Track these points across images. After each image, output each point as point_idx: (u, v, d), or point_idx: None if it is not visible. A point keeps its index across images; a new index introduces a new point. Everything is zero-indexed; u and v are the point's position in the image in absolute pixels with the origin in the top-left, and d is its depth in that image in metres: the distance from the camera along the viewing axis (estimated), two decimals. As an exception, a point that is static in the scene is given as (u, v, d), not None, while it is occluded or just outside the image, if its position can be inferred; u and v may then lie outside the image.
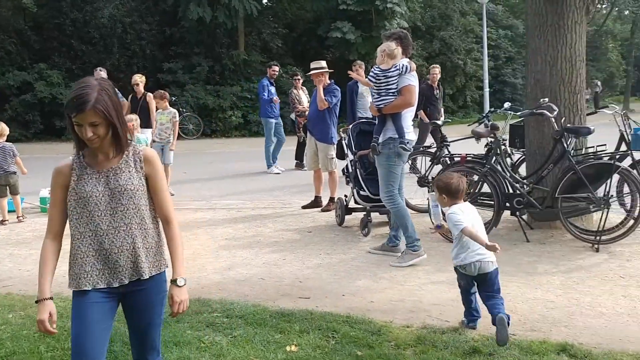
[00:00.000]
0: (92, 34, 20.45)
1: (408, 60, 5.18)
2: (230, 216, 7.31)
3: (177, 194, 8.83)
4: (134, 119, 7.52)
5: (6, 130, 7.27)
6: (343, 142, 6.70)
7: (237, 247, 5.76)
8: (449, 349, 3.38)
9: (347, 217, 6.57)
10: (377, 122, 5.26)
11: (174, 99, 17.40)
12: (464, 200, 3.88)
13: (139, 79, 10.10)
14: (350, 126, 6.63)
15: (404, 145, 5.05)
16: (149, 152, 2.37)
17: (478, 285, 3.65)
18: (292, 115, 11.05)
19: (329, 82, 7.57)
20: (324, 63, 7.70)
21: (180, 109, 17.85)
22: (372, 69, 5.17)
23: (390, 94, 5.03)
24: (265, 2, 24.66)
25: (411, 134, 5.20)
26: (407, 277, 4.75)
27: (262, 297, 4.29)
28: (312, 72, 7.61)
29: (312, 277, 4.79)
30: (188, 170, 11.08)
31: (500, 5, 32.89)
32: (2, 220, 7.12)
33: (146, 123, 9.59)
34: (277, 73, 11.29)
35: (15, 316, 3.94)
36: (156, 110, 9.18)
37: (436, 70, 10.84)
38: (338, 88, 7.54)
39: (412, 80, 5.08)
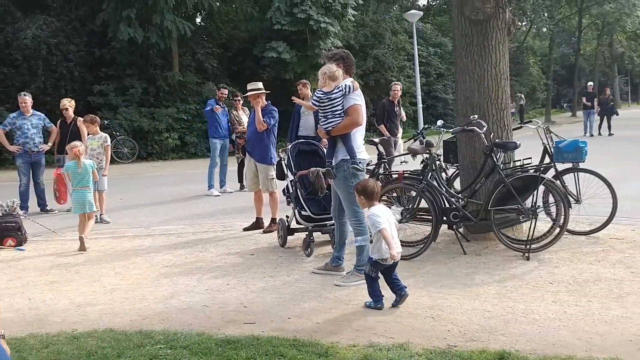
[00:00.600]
0: (15, 55, 19.65)
1: (351, 80, 5.23)
2: (170, 242, 7.19)
3: (113, 221, 8.61)
4: (78, 145, 7.28)
5: None
6: (282, 162, 6.75)
7: (178, 274, 5.67)
8: (394, 366, 3.45)
9: (289, 237, 6.60)
10: (327, 145, 5.29)
11: (106, 122, 17.01)
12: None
13: (68, 103, 9.81)
14: (290, 146, 6.71)
15: (356, 166, 5.08)
16: None
17: (387, 272, 4.52)
18: (233, 136, 11.02)
19: (266, 103, 7.61)
20: (260, 84, 7.73)
21: (114, 133, 17.47)
22: (315, 93, 5.21)
23: (337, 115, 5.06)
24: (199, 22, 24.52)
25: (363, 153, 5.23)
26: (351, 296, 4.81)
27: (207, 325, 4.23)
28: (249, 93, 7.63)
29: (256, 301, 4.77)
30: (124, 196, 10.84)
31: (429, 24, 34.04)
32: None
33: None
34: (225, 95, 11.22)
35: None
36: (87, 135, 8.94)
37: (397, 87, 11.12)
38: (275, 109, 7.60)
39: (358, 99, 5.12)
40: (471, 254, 5.92)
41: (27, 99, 9.59)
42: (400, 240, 6.09)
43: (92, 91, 20.21)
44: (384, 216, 4.46)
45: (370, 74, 25.97)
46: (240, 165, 10.97)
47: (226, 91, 11.36)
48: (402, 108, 11.71)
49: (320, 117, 5.22)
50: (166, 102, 20.91)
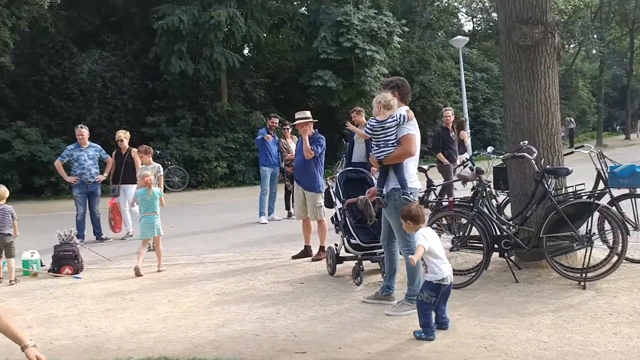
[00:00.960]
0: (72, 89, 20.55)
1: (406, 109, 5.21)
2: (221, 270, 7.30)
3: (165, 249, 8.78)
4: (149, 174, 7.65)
5: (6, 193, 7.32)
6: (331, 190, 6.79)
7: (229, 303, 5.74)
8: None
9: (338, 266, 6.59)
10: (379, 173, 5.30)
11: (158, 152, 17.51)
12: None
13: (123, 135, 10.19)
14: (338, 174, 6.74)
15: (406, 196, 5.04)
16: None
17: (441, 299, 4.48)
18: (282, 164, 11.17)
19: (313, 131, 7.71)
20: (308, 113, 7.84)
21: (165, 162, 17.94)
22: (369, 121, 5.23)
23: (390, 144, 5.04)
24: (247, 54, 25.13)
25: (415, 182, 5.21)
26: (402, 325, 4.76)
27: (259, 354, 4.26)
28: (296, 122, 7.75)
29: (307, 330, 4.78)
30: (176, 224, 11.07)
31: (475, 49, 33.86)
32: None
33: (132, 179, 9.65)
34: (276, 124, 11.38)
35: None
36: (141, 165, 9.22)
37: (449, 113, 11.06)
38: (322, 137, 7.68)
39: (412, 129, 5.10)
40: (524, 282, 5.78)
41: (83, 132, 10.00)
42: (452, 269, 6.06)
43: (145, 122, 20.90)
44: (429, 237, 4.47)
45: (416, 100, 25.93)
46: (288, 193, 11.09)
47: (277, 120, 11.54)
48: (461, 130, 11.65)
49: (372, 146, 5.22)
50: (215, 131, 21.40)
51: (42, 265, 7.69)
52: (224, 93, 22.16)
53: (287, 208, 11.28)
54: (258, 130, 12.49)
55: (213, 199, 16.81)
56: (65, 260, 7.46)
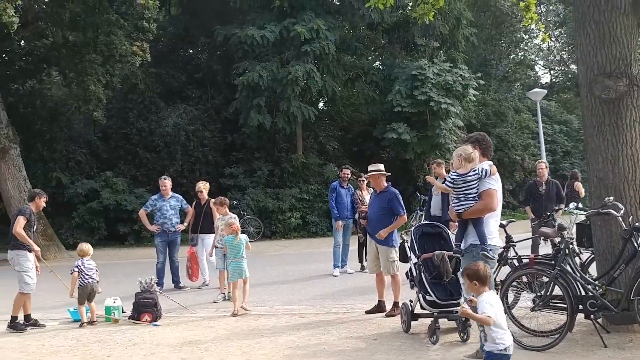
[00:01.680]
0: (157, 142, 21.67)
1: (490, 163, 5.16)
2: (293, 322, 7.29)
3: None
4: (236, 222, 8.37)
5: (91, 250, 8.04)
6: (405, 244, 6.70)
7: (302, 357, 5.70)
8: None
9: (413, 323, 6.41)
10: (458, 227, 5.21)
11: (235, 202, 17.99)
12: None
13: (203, 186, 10.56)
14: (413, 228, 6.66)
15: (485, 252, 4.92)
16: None
17: None
18: (355, 216, 11.18)
19: (386, 184, 7.70)
20: (381, 166, 7.84)
21: (242, 212, 18.37)
22: (450, 174, 5.20)
23: (470, 198, 4.98)
24: (322, 107, 25.70)
25: (495, 239, 5.09)
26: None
27: (331, 412, 4.19)
28: (369, 174, 7.78)
29: (380, 389, 4.66)
30: (249, 274, 11.18)
31: (553, 101, 33.03)
32: (81, 323, 7.55)
33: (210, 229, 9.94)
34: (348, 176, 11.43)
35: None
36: (218, 216, 9.48)
37: (542, 166, 10.89)
38: (397, 191, 7.63)
39: (494, 184, 5.02)
40: (613, 347, 5.40)
41: (167, 183, 10.46)
42: (533, 330, 5.78)
43: (224, 173, 21.62)
44: (495, 306, 4.22)
45: (493, 153, 25.44)
46: (361, 246, 11.03)
47: (348, 171, 11.60)
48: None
49: (452, 199, 5.16)
50: (290, 183, 21.80)
51: (123, 312, 7.97)
52: (299, 145, 22.66)
53: (360, 261, 11.20)
54: (331, 182, 12.61)
55: (286, 249, 16.96)
56: (145, 308, 7.70)
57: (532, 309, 5.81)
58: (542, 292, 5.76)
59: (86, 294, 7.65)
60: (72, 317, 7.98)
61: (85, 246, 8.08)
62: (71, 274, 7.74)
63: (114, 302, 7.96)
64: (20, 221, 7.57)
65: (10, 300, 7.71)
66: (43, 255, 15.93)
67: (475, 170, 4.99)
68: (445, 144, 21.38)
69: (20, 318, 7.63)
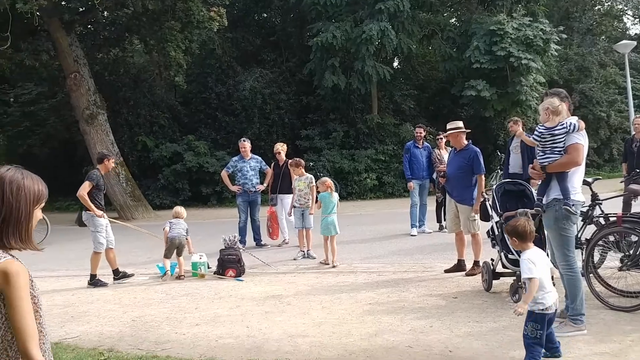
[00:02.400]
0: (235, 105, 22.11)
1: (577, 118, 4.97)
2: (372, 280, 7.35)
3: (318, 257, 9.06)
4: (329, 180, 8.99)
5: (184, 213, 8.65)
6: (487, 202, 6.55)
7: (381, 313, 5.75)
8: None
9: (494, 282, 6.33)
10: (540, 182, 5.07)
11: (311, 164, 18.17)
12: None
13: (281, 148, 10.72)
14: (495, 186, 6.49)
15: (568, 207, 4.75)
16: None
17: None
18: (434, 175, 11.02)
19: (465, 142, 7.51)
20: (460, 123, 7.64)
21: (318, 174, 18.53)
22: (537, 128, 5.03)
23: (556, 152, 4.82)
24: (397, 66, 25.23)
25: (579, 195, 4.89)
26: (566, 347, 4.43)
27: (412, 366, 4.22)
28: (448, 132, 7.61)
29: (462, 346, 4.63)
30: (328, 234, 11.35)
31: (642, 53, 30.83)
32: (163, 276, 8.01)
33: (288, 189, 10.12)
34: (422, 134, 11.24)
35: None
36: (295, 177, 9.63)
37: (638, 121, 10.28)
38: (478, 150, 7.43)
39: (581, 139, 4.83)
40: None
41: (246, 145, 10.68)
42: (621, 290, 5.55)
43: (300, 136, 21.82)
44: (539, 263, 4.14)
45: (576, 110, 24.10)
46: (439, 205, 10.90)
47: (422, 130, 11.38)
48: None
49: (538, 152, 4.99)
50: (365, 143, 21.71)
51: (208, 268, 8.32)
52: (374, 105, 22.44)
53: (439, 220, 11.08)
54: (407, 142, 12.44)
55: (363, 209, 17.00)
56: (229, 264, 7.99)
57: (620, 269, 5.58)
58: (631, 252, 5.51)
59: (174, 248, 8.09)
60: (161, 272, 8.41)
61: (179, 209, 8.70)
62: (163, 229, 8.30)
63: (200, 258, 8.31)
64: (85, 186, 7.87)
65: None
66: (132, 215, 16.96)
67: (563, 124, 4.80)
68: (526, 100, 20.52)
69: (107, 274, 8.12)
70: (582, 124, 4.90)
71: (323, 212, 8.70)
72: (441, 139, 11.07)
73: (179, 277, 8.02)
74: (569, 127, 4.78)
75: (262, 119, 22.10)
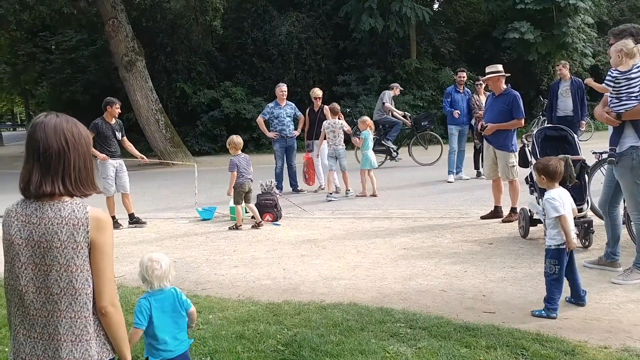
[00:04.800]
0: (271, 51, 21.90)
1: None
2: (407, 225, 7.38)
3: (352, 202, 9.11)
4: (369, 120, 9.98)
5: (241, 143, 7.97)
6: (526, 148, 6.42)
7: (415, 257, 5.80)
8: (655, 377, 3.09)
9: (531, 228, 6.28)
10: (612, 130, 4.86)
11: (347, 110, 18.00)
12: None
13: (319, 93, 10.66)
14: (535, 132, 6.34)
15: None
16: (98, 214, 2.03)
17: (568, 269, 4.17)
18: (472, 121, 10.82)
19: (505, 86, 7.32)
20: (500, 67, 7.44)
21: (355, 120, 18.39)
22: (609, 72, 4.76)
23: (633, 97, 4.56)
24: (437, 8, 24.42)
25: None
26: (603, 294, 4.42)
27: (445, 310, 4.27)
28: (487, 76, 7.42)
29: (496, 291, 4.66)
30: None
31: None
32: (237, 225, 7.74)
33: (319, 134, 10.26)
34: (464, 79, 11.01)
35: (215, 317, 4.31)
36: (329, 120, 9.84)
37: None
38: (518, 94, 7.24)
39: None
40: None
41: (285, 89, 10.64)
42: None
43: (336, 81, 21.58)
44: (564, 201, 4.18)
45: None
46: (477, 152, 10.74)
47: (465, 74, 11.12)
48: None
49: (611, 99, 4.75)
50: (404, 89, 21.31)
51: (246, 212, 8.47)
52: (413, 50, 21.90)
53: (476, 167, 10.95)
54: (446, 87, 12.21)
55: (400, 155, 16.85)
56: (266, 208, 8.12)
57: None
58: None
59: (243, 193, 7.75)
60: (201, 217, 8.62)
61: (237, 139, 7.92)
62: (230, 171, 7.72)
63: (238, 203, 8.46)
64: None
65: (143, 202, 8.39)
66: (172, 160, 17.25)
67: (638, 67, 4.53)
68: (572, 43, 19.73)
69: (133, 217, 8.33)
70: None
71: (364, 149, 9.74)
72: (480, 84, 10.82)
73: (258, 225, 7.70)
74: None
75: (298, 64, 21.88)
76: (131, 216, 8.39)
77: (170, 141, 18.39)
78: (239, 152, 7.89)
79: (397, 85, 14.14)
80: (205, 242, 7.08)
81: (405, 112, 14.73)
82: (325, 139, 10.05)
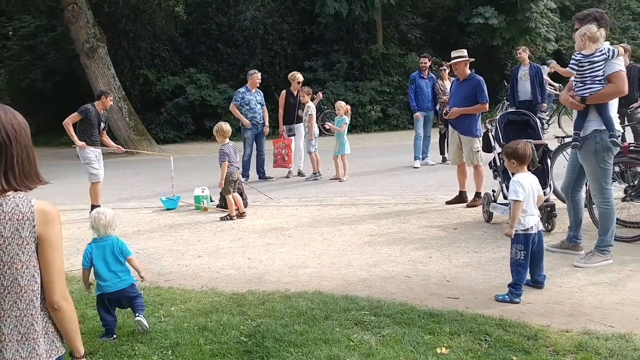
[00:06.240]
0: (236, 36, 21.54)
1: (608, 43, 4.74)
2: (373, 212, 7.37)
3: (320, 190, 9.07)
4: (344, 104, 10.14)
5: (229, 131, 7.69)
6: (490, 133, 6.46)
7: (381, 244, 5.80)
8: (614, 357, 3.14)
9: (495, 213, 6.32)
10: (576, 114, 4.89)
11: (314, 96, 17.89)
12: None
13: (301, 77, 10.77)
14: (498, 116, 6.38)
15: (614, 139, 4.59)
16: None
17: (535, 255, 4.21)
18: (437, 107, 10.85)
19: (469, 71, 7.34)
20: (465, 52, 7.46)
21: (322, 106, 18.30)
22: (573, 55, 4.79)
23: (597, 81, 4.61)
24: (403, -7, 24.36)
25: (617, 125, 4.78)
26: (565, 277, 4.48)
27: (409, 296, 4.27)
28: (452, 61, 7.43)
29: (460, 276, 4.68)
30: (331, 167, 11.31)
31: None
32: (230, 216, 7.41)
33: (299, 118, 10.50)
34: (427, 64, 10.97)
35: (177, 309, 4.23)
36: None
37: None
38: (481, 78, 7.26)
39: (622, 65, 4.63)
40: None
41: (260, 78, 10.48)
42: (623, 221, 5.54)
43: (303, 67, 21.36)
44: (527, 187, 4.21)
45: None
46: (442, 137, 10.79)
47: (427, 60, 11.10)
48: None
49: (576, 83, 4.78)
50: (370, 75, 21.28)
51: (211, 201, 8.35)
52: (379, 35, 21.83)
53: (442, 152, 11.01)
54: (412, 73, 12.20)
55: (367, 142, 16.89)
56: (231, 197, 8.00)
57: (623, 199, 5.55)
58: (635, 182, 5.46)
59: (233, 182, 7.53)
60: (165, 206, 8.47)
61: (226, 126, 7.65)
62: (221, 162, 7.49)
63: (203, 192, 8.34)
64: (73, 115, 7.91)
65: (106, 192, 8.20)
66: (136, 149, 16.91)
67: (601, 50, 4.57)
68: (535, 28, 19.93)
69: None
70: (621, 50, 4.69)
71: (341, 135, 9.88)
72: (444, 69, 10.84)
73: (240, 215, 7.46)
74: (608, 53, 4.57)
75: (264, 50, 21.60)
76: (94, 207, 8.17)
77: (134, 129, 18.03)
78: (227, 140, 7.63)
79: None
80: (169, 232, 6.96)
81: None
82: (310, 122, 10.21)
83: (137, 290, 3.94)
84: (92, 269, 3.86)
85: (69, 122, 7.92)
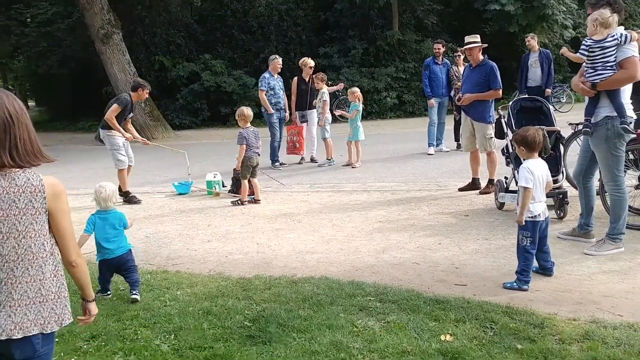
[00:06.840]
0: (251, 23, 21.52)
1: (622, 28, 4.63)
2: (384, 199, 7.33)
3: (332, 176, 9.04)
4: (357, 90, 10.07)
5: (251, 116, 7.59)
6: (502, 120, 6.37)
7: (390, 230, 5.76)
8: (621, 347, 3.08)
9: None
10: (587, 101, 4.80)
11: (329, 82, 17.80)
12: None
13: (312, 63, 10.70)
14: (511, 103, 6.29)
15: (625, 125, 4.49)
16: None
17: (540, 240, 4.13)
18: (451, 93, 10.74)
19: (482, 57, 7.23)
20: (478, 37, 7.35)
21: (337, 92, 18.20)
22: (584, 41, 4.69)
23: (608, 67, 4.50)
24: (419, -22, 24.07)
25: (630, 111, 4.69)
26: (575, 265, 4.41)
27: (416, 283, 4.24)
28: (465, 47, 7.32)
29: (469, 263, 4.63)
30: (344, 153, 11.26)
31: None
32: (242, 200, 7.41)
33: (311, 105, 10.44)
34: (441, 50, 10.80)
35: (183, 293, 4.23)
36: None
37: None
38: (494, 64, 7.16)
39: (635, 51, 4.51)
40: None
41: (281, 63, 10.44)
42: (636, 209, 5.45)
43: (318, 53, 21.26)
44: (537, 174, 4.13)
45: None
46: (457, 124, 10.67)
47: (441, 46, 10.94)
48: None
49: (586, 69, 4.68)
50: (385, 61, 21.13)
51: (223, 186, 8.37)
52: (395, 21, 21.63)
53: (456, 139, 10.90)
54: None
55: (381, 129, 16.81)
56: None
57: (637, 187, 5.45)
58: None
59: (250, 167, 7.47)
60: (177, 191, 8.50)
61: (248, 110, 7.53)
62: (239, 144, 7.43)
63: (215, 177, 8.35)
64: (114, 108, 7.80)
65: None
66: (152, 135, 17.00)
67: (613, 35, 4.46)
68: (552, 15, 19.62)
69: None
70: (635, 35, 4.57)
71: (356, 120, 9.83)
72: (459, 55, 10.71)
73: (255, 202, 7.45)
74: (620, 39, 4.46)
75: (279, 36, 21.55)
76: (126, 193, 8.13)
77: (149, 115, 18.09)
78: (248, 124, 7.57)
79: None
80: (180, 217, 6.97)
81: None
82: (323, 108, 10.15)
83: (133, 257, 4.40)
84: (94, 235, 4.31)
85: (112, 115, 7.79)
